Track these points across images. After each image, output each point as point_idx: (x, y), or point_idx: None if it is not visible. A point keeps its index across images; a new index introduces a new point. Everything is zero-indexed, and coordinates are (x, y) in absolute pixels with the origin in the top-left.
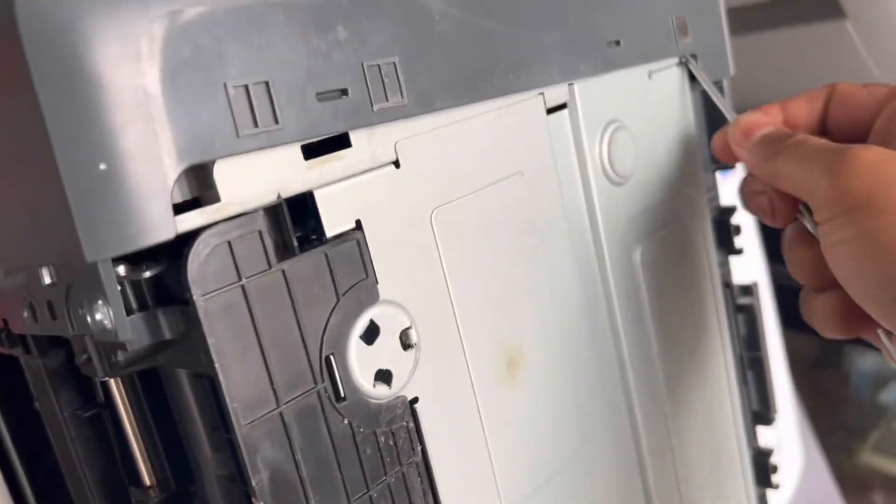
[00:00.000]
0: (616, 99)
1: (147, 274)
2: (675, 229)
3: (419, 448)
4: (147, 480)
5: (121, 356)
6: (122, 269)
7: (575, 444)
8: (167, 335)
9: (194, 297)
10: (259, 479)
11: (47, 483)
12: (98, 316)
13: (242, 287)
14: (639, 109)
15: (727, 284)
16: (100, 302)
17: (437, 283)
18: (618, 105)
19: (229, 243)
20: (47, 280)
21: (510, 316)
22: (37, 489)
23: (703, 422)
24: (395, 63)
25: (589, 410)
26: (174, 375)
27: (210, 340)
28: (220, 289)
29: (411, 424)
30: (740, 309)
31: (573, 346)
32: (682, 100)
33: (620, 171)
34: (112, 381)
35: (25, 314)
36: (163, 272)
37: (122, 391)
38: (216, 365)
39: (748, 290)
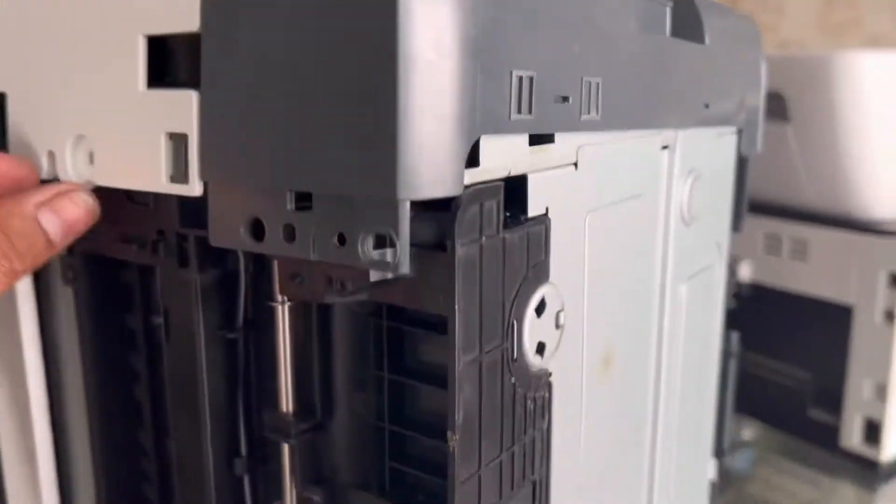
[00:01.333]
0: (699, 151)
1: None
2: (706, 273)
3: (548, 417)
4: (290, 407)
5: (350, 285)
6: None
7: (625, 438)
8: (409, 273)
9: (457, 244)
10: (458, 417)
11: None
12: (370, 247)
13: (481, 245)
14: (709, 163)
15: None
16: (376, 236)
17: (578, 277)
18: (699, 156)
19: (481, 205)
20: (289, 205)
21: (613, 318)
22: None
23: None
24: (599, 83)
25: (635, 413)
26: (340, 312)
27: (457, 284)
28: (470, 241)
29: (546, 395)
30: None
31: (636, 357)
32: (732, 163)
33: (692, 213)
34: (280, 307)
35: (242, 230)
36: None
37: (288, 317)
38: (457, 306)
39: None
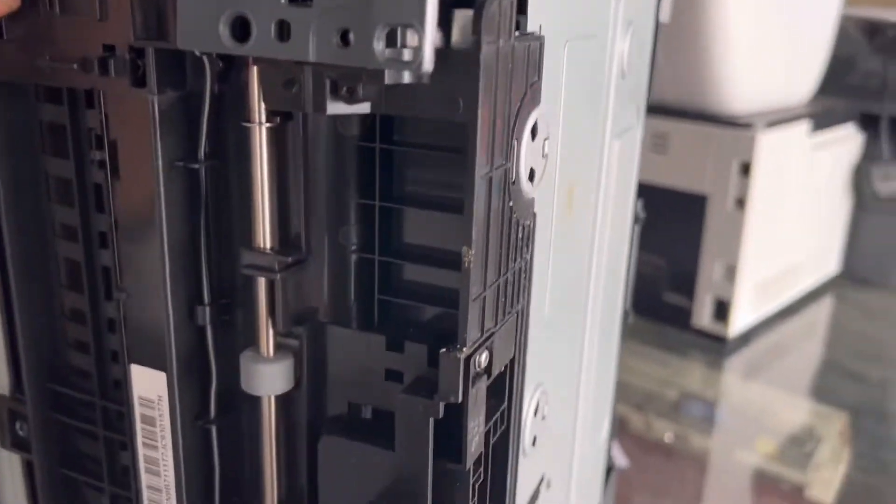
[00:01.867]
0: (638, 3)
1: None
2: (629, 134)
3: (531, 247)
4: (269, 242)
5: (361, 91)
6: None
7: (575, 278)
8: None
9: (483, 42)
10: (474, 232)
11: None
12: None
13: (497, 48)
14: (641, 20)
15: None
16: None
17: (556, 109)
18: (637, 9)
19: (499, 3)
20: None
21: (575, 159)
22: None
23: (607, 310)
24: None
25: (582, 257)
26: (325, 135)
27: (481, 86)
28: (490, 41)
29: (532, 225)
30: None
31: (586, 204)
32: (652, 26)
33: (629, 66)
34: (257, 128)
35: (221, 29)
36: None
37: (266, 140)
38: (479, 111)
39: None
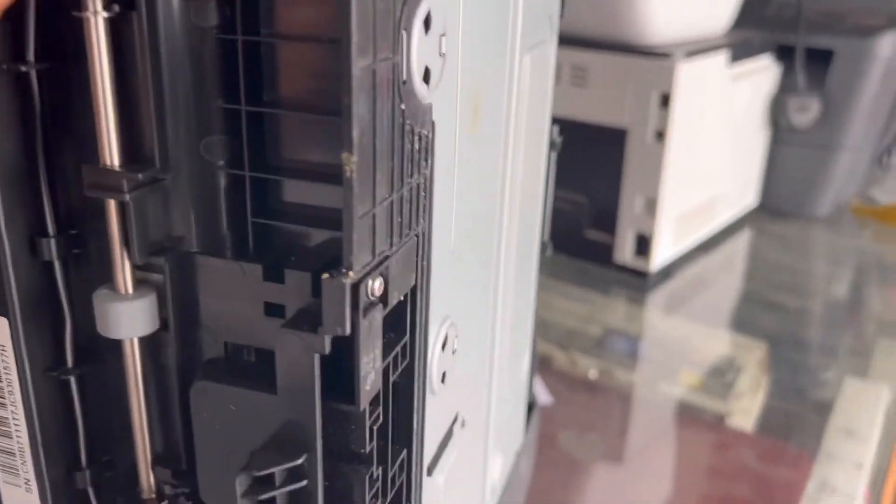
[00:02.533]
0: None
1: None
2: (541, 49)
3: (430, 161)
4: (117, 158)
5: None
6: None
7: (485, 205)
8: None
9: None
10: (354, 133)
11: None
12: None
13: None
14: None
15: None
16: None
17: (455, 4)
18: None
19: None
20: None
21: (480, 67)
22: None
23: (523, 242)
24: None
25: (492, 181)
26: (176, 25)
27: None
28: None
29: (431, 136)
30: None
31: (493, 119)
32: None
33: None
34: (93, 18)
35: None
36: None
37: (103, 33)
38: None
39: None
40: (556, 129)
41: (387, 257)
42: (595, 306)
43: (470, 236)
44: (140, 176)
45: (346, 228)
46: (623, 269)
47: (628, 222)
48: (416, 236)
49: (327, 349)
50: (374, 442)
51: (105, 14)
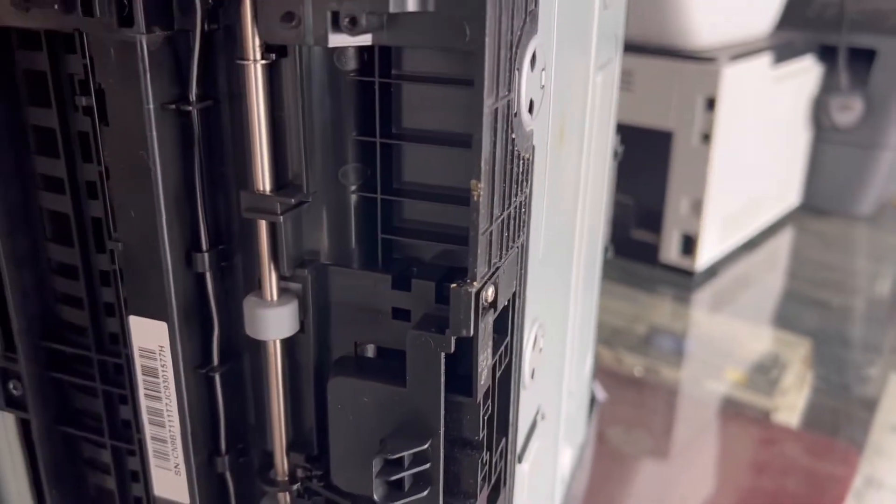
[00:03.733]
0: None
1: None
2: (609, 67)
3: (530, 181)
4: (269, 184)
5: (364, 20)
6: None
7: (566, 215)
8: (426, 6)
9: None
10: (482, 164)
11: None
12: None
13: None
14: None
15: None
16: None
17: (551, 39)
18: None
19: None
20: None
21: (567, 92)
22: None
23: (591, 246)
24: None
25: (572, 193)
26: (322, 72)
27: (488, 10)
28: None
29: (531, 158)
30: None
31: (576, 137)
32: None
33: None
34: (252, 65)
35: None
36: None
37: (261, 77)
38: (487, 39)
39: None
40: (618, 138)
41: (497, 268)
42: (641, 305)
43: (554, 244)
44: (291, 200)
45: (472, 245)
46: (669, 268)
47: (674, 222)
48: (518, 248)
49: (452, 348)
50: (485, 430)
51: (263, 61)
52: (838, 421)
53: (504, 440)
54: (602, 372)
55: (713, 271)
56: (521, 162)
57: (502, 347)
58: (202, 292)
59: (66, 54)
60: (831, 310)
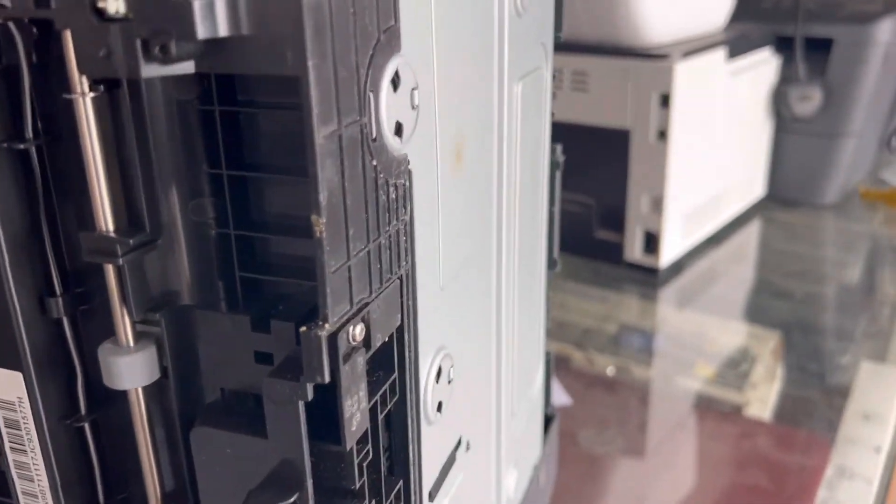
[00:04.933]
0: None
1: None
2: (535, 75)
3: (409, 207)
4: (111, 224)
5: (174, 49)
6: None
7: (476, 238)
8: (239, 30)
9: None
10: (322, 197)
11: None
12: None
13: None
14: None
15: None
16: None
17: (428, 55)
18: None
19: None
20: None
21: (461, 108)
22: None
23: (527, 263)
24: None
25: (484, 214)
26: (159, 100)
27: (307, 34)
28: None
29: (407, 184)
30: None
31: (482, 154)
32: None
33: (524, 2)
34: (81, 99)
35: None
36: None
37: (92, 111)
38: (309, 62)
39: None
40: (560, 147)
41: (367, 304)
42: (609, 304)
43: (464, 269)
44: (131, 241)
45: (320, 284)
46: (634, 266)
47: (636, 221)
48: (400, 278)
49: (310, 396)
50: (365, 478)
51: (91, 94)
52: (811, 411)
53: (402, 482)
54: (573, 374)
55: (678, 267)
56: (393, 188)
57: (386, 385)
58: (61, 338)
59: None
60: (797, 299)
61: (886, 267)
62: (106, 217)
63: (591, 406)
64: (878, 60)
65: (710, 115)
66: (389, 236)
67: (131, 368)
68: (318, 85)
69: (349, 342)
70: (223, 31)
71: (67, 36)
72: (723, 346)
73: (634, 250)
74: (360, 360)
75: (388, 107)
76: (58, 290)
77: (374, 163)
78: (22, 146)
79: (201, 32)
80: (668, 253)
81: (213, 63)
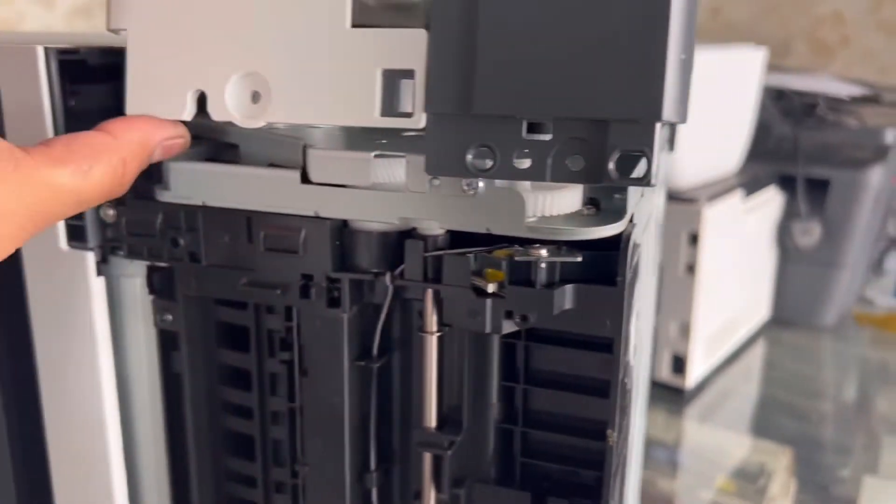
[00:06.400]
0: None
1: None
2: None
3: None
4: (434, 422)
5: (533, 319)
6: None
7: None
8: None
9: (627, 276)
10: (617, 417)
11: None
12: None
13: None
14: None
15: None
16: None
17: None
18: None
19: (630, 243)
20: (524, 133)
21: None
22: None
23: None
24: None
25: None
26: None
27: (625, 311)
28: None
29: (631, 383)
30: None
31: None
32: None
33: None
34: (430, 337)
35: (469, 158)
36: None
37: (435, 346)
38: (623, 330)
39: None
40: None
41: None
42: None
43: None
44: (455, 438)
45: (605, 483)
46: (662, 385)
47: (665, 344)
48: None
49: None
50: None
51: (438, 334)
52: None
53: None
54: None
55: (701, 386)
56: (627, 393)
57: None
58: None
59: (266, 314)
60: (806, 416)
61: (878, 386)
62: (432, 418)
63: None
64: (869, 202)
65: (729, 248)
66: (623, 429)
67: None
68: (624, 343)
69: None
70: (568, 306)
71: (429, 294)
72: (741, 460)
73: (662, 370)
74: None
75: (633, 338)
76: (372, 465)
77: (626, 380)
78: (372, 364)
79: (556, 310)
80: (694, 373)
81: (552, 324)
